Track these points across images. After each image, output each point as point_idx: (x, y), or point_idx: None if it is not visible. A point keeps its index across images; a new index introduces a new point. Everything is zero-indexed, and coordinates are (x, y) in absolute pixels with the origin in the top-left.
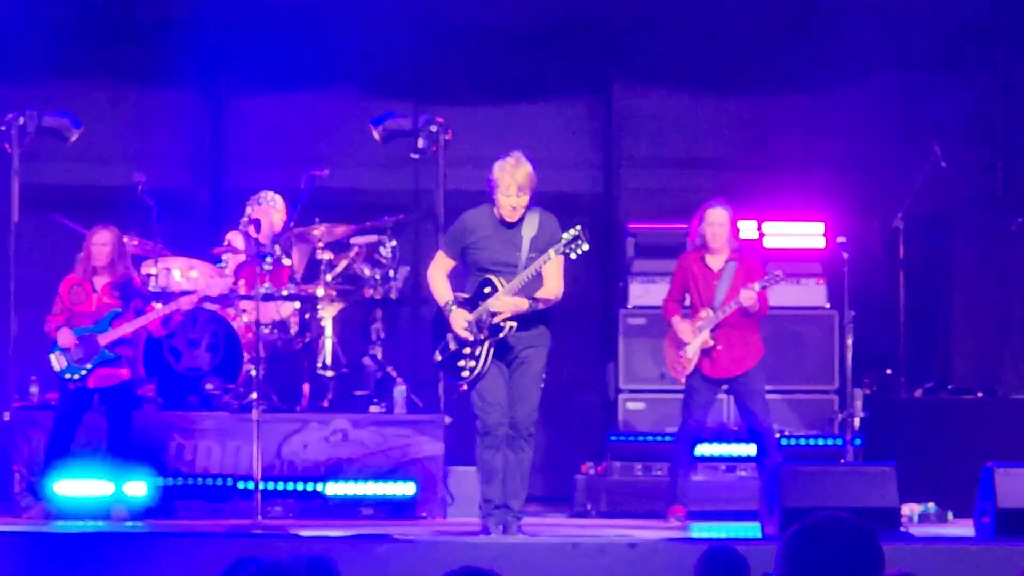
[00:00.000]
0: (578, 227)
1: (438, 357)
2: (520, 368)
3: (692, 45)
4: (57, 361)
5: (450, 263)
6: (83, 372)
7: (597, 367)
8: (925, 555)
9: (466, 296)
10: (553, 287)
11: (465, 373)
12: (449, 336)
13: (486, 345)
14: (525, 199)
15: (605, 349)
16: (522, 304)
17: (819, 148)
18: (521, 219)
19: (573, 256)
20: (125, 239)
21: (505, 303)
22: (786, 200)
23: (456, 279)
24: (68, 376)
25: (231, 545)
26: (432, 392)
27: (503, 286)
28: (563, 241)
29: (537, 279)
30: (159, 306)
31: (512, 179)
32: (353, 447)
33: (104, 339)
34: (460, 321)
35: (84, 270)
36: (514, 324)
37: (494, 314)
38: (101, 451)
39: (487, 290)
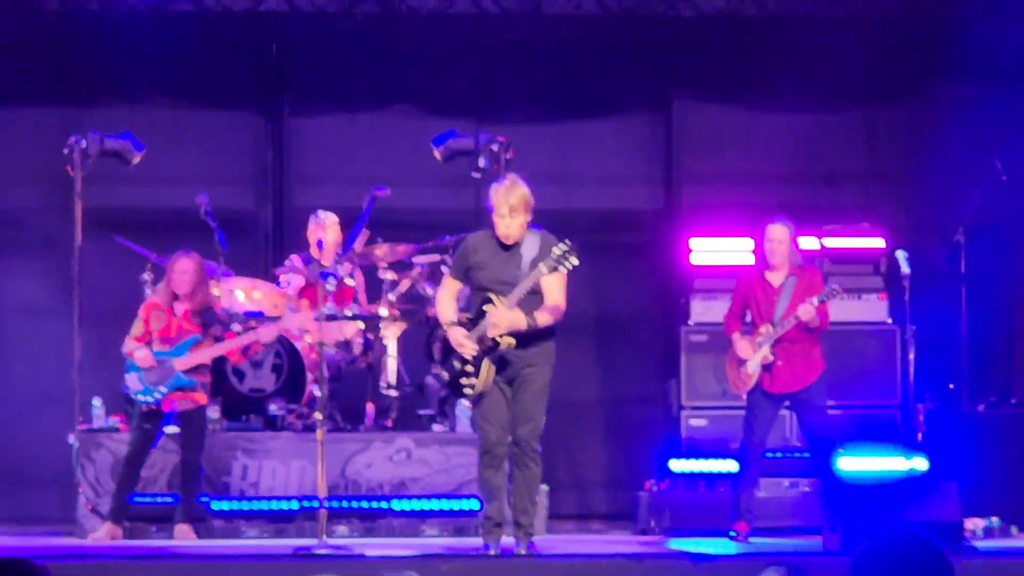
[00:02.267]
0: (567, 243)
1: (445, 376)
2: (522, 386)
3: (750, 60)
4: (133, 384)
5: (456, 285)
6: (157, 395)
7: (659, 384)
8: (989, 569)
9: (469, 316)
10: (554, 304)
11: (467, 391)
12: (454, 355)
13: (486, 362)
14: (519, 219)
15: (667, 366)
16: (519, 320)
17: (879, 162)
18: (519, 241)
19: (562, 270)
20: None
21: (502, 318)
22: (847, 214)
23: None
24: (142, 398)
25: (296, 565)
26: None
27: (501, 303)
28: (552, 256)
29: (539, 298)
30: (238, 328)
31: (505, 200)
32: (417, 466)
33: (180, 364)
34: (457, 337)
35: (166, 296)
36: (512, 341)
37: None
38: (169, 472)
39: (487, 307)
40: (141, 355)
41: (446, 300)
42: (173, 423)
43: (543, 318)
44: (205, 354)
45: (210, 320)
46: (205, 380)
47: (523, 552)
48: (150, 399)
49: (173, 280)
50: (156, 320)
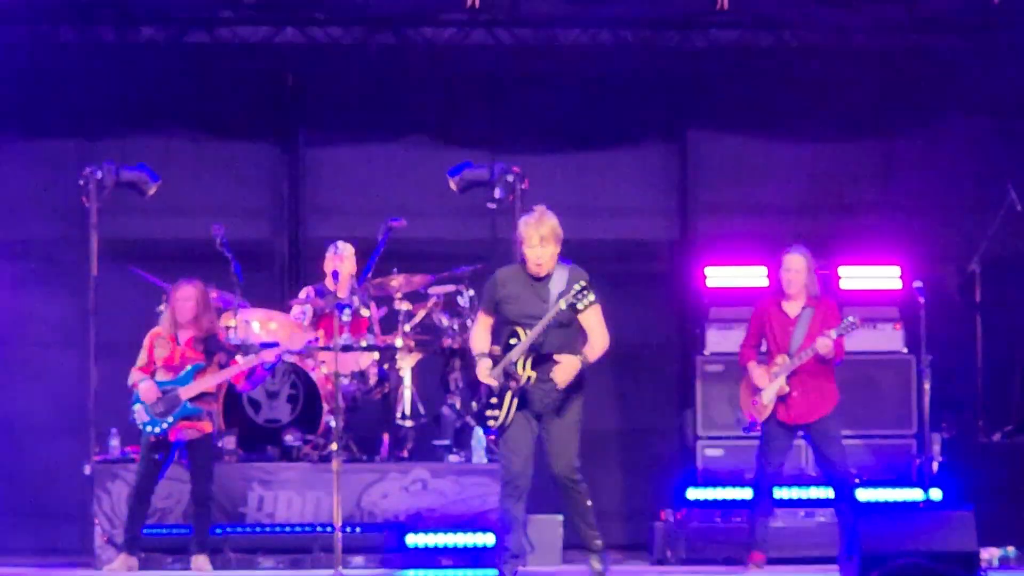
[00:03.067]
0: (584, 280)
1: (474, 407)
2: (553, 423)
3: (765, 91)
4: (139, 415)
5: (488, 320)
6: (164, 425)
7: (675, 414)
8: None
9: (498, 350)
10: (598, 339)
11: (491, 422)
12: (482, 387)
13: (508, 395)
14: (550, 250)
15: (683, 396)
16: (575, 364)
17: (894, 193)
18: (550, 274)
19: (581, 307)
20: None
21: (564, 371)
22: (862, 245)
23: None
24: (150, 429)
25: None
26: None
27: (526, 336)
28: (571, 292)
29: (580, 332)
30: (242, 360)
31: (536, 232)
32: (432, 496)
33: (186, 393)
34: (483, 370)
35: (169, 324)
36: (533, 375)
37: (515, 363)
38: (183, 502)
39: (512, 341)
40: (145, 388)
41: (480, 333)
42: (182, 453)
43: (594, 355)
44: (210, 381)
45: (214, 347)
46: (212, 408)
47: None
48: (157, 430)
49: (176, 308)
50: (160, 348)
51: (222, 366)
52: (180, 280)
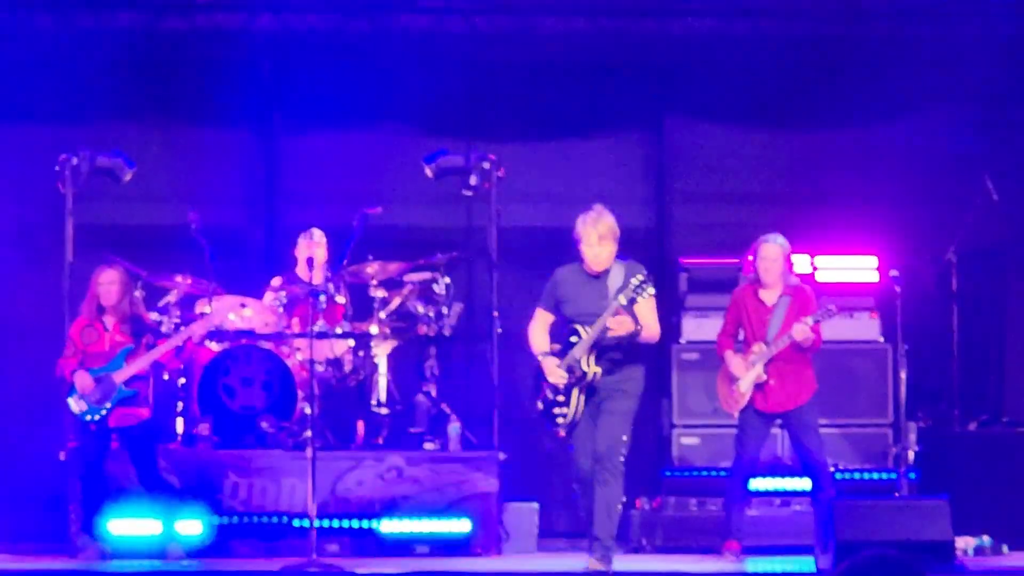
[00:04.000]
0: (642, 274)
1: (540, 406)
2: (607, 410)
3: (744, 80)
4: (76, 405)
5: (548, 317)
6: (103, 412)
7: (651, 402)
8: None
9: (558, 347)
10: (651, 326)
11: (560, 420)
12: (545, 386)
13: (576, 391)
14: (608, 248)
15: (659, 384)
16: (628, 322)
17: (872, 182)
18: (607, 270)
19: (641, 300)
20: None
21: (618, 320)
22: (839, 234)
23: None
24: (89, 418)
25: None
26: (486, 429)
27: (587, 333)
28: (630, 286)
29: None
30: (173, 337)
31: (594, 230)
32: (408, 484)
33: (120, 376)
34: (550, 367)
35: (91, 310)
36: (599, 370)
37: (579, 360)
38: (134, 491)
39: (573, 339)
40: (81, 379)
41: (538, 332)
42: (119, 440)
43: (645, 336)
44: (141, 362)
45: (141, 329)
46: (147, 392)
47: (604, 569)
48: (97, 417)
49: (101, 293)
50: (87, 337)
51: (150, 347)
52: (101, 264)
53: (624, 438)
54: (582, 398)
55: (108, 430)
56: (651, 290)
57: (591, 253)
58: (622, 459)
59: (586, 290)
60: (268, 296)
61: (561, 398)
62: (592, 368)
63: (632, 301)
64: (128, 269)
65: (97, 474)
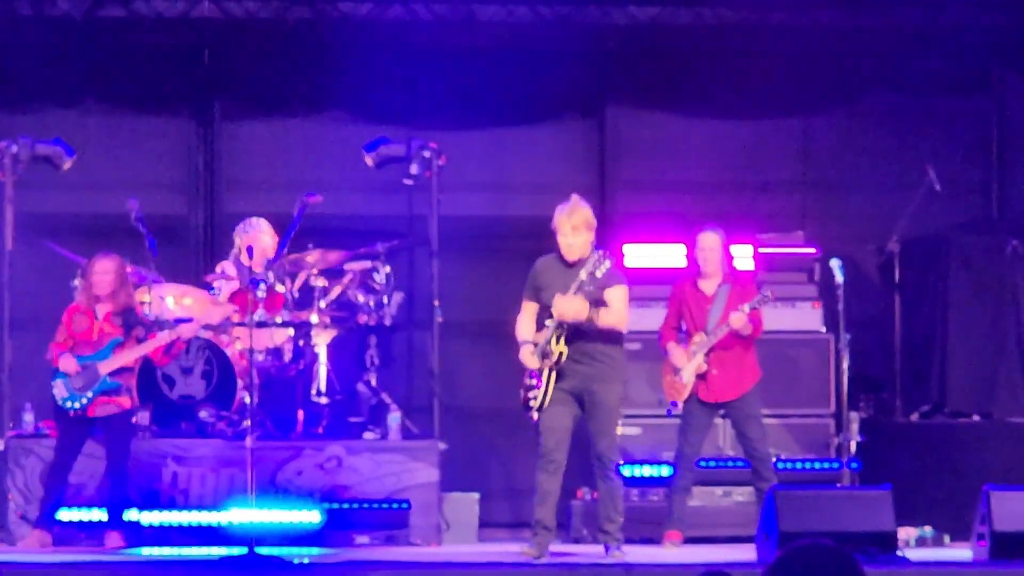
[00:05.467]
0: (600, 251)
1: (521, 394)
2: (595, 406)
3: (684, 68)
4: (59, 390)
5: (532, 307)
6: (84, 400)
7: None
8: None
9: (540, 337)
10: (615, 311)
11: (533, 402)
12: (526, 373)
13: (546, 372)
14: (583, 237)
15: None
16: (581, 307)
17: (813, 171)
18: (582, 260)
19: (598, 274)
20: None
21: (565, 304)
22: (780, 222)
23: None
24: (69, 405)
25: (227, 573)
26: (426, 419)
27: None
28: (591, 261)
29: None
30: (160, 334)
31: (568, 220)
32: (348, 474)
33: (105, 367)
34: (525, 354)
35: (87, 298)
36: (564, 350)
37: (548, 341)
38: (97, 479)
39: (547, 322)
40: (66, 362)
41: (524, 322)
42: (98, 428)
43: (605, 317)
44: (129, 355)
45: (132, 321)
46: (130, 384)
47: (617, 558)
48: (77, 405)
49: (94, 282)
50: (78, 324)
51: (140, 340)
52: (98, 254)
53: (619, 432)
54: (552, 379)
55: (88, 420)
56: (608, 263)
57: (565, 243)
58: (618, 456)
59: (561, 278)
60: (219, 284)
61: (533, 381)
62: (557, 348)
63: (591, 274)
64: (67, 257)
65: (67, 463)
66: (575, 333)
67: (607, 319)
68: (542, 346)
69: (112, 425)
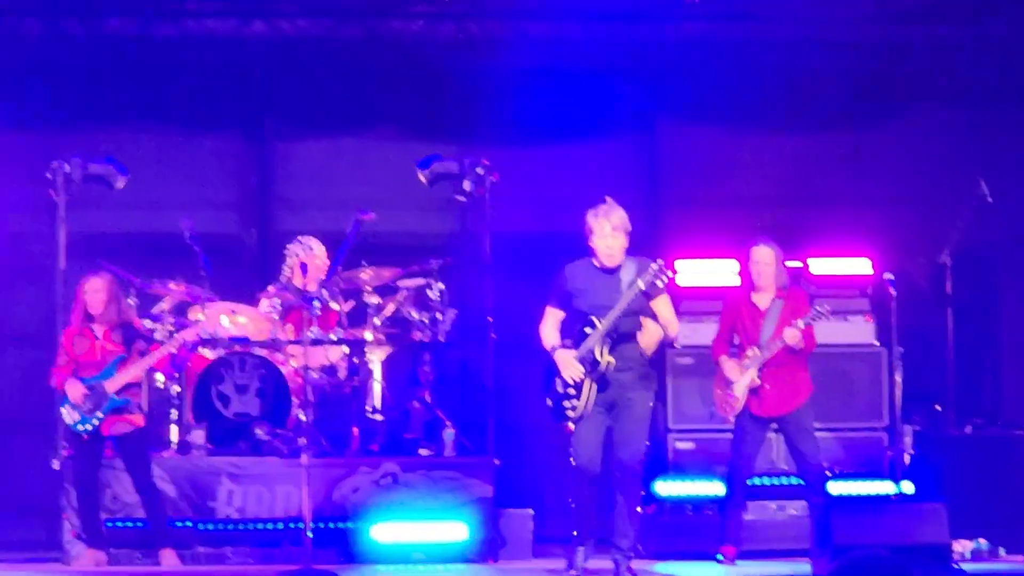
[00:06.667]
0: (659, 261)
1: (549, 402)
2: (624, 412)
3: (736, 83)
4: (69, 415)
5: (558, 314)
6: (95, 421)
7: None
8: None
9: (569, 342)
10: (671, 322)
11: (570, 412)
12: (556, 379)
13: (588, 382)
14: (621, 240)
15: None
16: (656, 331)
17: (865, 184)
18: (619, 265)
19: (660, 284)
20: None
21: (650, 335)
22: (833, 237)
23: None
24: (81, 428)
25: None
26: (481, 435)
27: (601, 324)
28: (650, 272)
29: (638, 321)
30: (165, 345)
31: (607, 221)
32: (403, 490)
33: (112, 385)
34: (565, 360)
35: (81, 319)
36: (612, 360)
37: (592, 350)
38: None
39: (587, 330)
40: (72, 388)
41: (549, 329)
42: (114, 448)
43: (669, 329)
44: (134, 371)
45: (132, 336)
46: (139, 400)
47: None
48: (89, 427)
49: (88, 301)
50: (79, 346)
51: (142, 354)
52: (87, 273)
53: (646, 443)
54: (594, 388)
55: (101, 439)
56: (670, 274)
57: (604, 245)
58: (642, 467)
59: (599, 283)
60: (263, 303)
61: (572, 391)
62: (605, 358)
63: (652, 284)
64: (121, 276)
65: (90, 483)
66: (619, 340)
67: (673, 329)
68: (585, 355)
69: (127, 445)
